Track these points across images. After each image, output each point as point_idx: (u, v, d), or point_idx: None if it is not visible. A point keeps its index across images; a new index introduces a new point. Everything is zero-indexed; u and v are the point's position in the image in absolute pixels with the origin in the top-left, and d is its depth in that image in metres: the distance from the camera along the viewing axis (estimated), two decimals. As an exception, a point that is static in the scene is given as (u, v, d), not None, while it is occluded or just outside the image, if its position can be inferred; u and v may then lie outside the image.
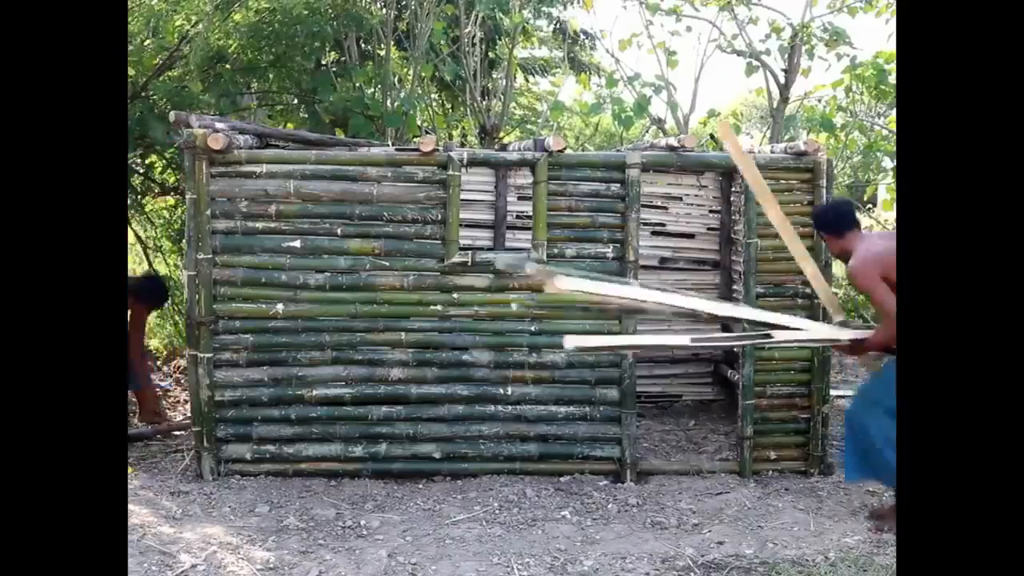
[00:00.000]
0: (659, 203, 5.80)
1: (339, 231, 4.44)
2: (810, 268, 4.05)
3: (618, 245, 4.54)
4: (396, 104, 6.89)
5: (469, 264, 4.46)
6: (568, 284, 3.63)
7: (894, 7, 7.39)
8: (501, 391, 4.52)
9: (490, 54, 8.98)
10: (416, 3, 7.36)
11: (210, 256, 4.38)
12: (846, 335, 3.94)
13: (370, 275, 4.47)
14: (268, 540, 3.74)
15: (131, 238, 6.87)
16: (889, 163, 7.85)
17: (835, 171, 5.08)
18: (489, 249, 4.70)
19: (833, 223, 4.02)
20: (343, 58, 7.36)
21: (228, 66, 6.12)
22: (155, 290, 5.65)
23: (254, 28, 5.91)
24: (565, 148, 4.49)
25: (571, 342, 3.72)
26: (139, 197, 6.86)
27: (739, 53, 7.88)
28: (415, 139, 4.61)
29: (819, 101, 8.10)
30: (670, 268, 5.89)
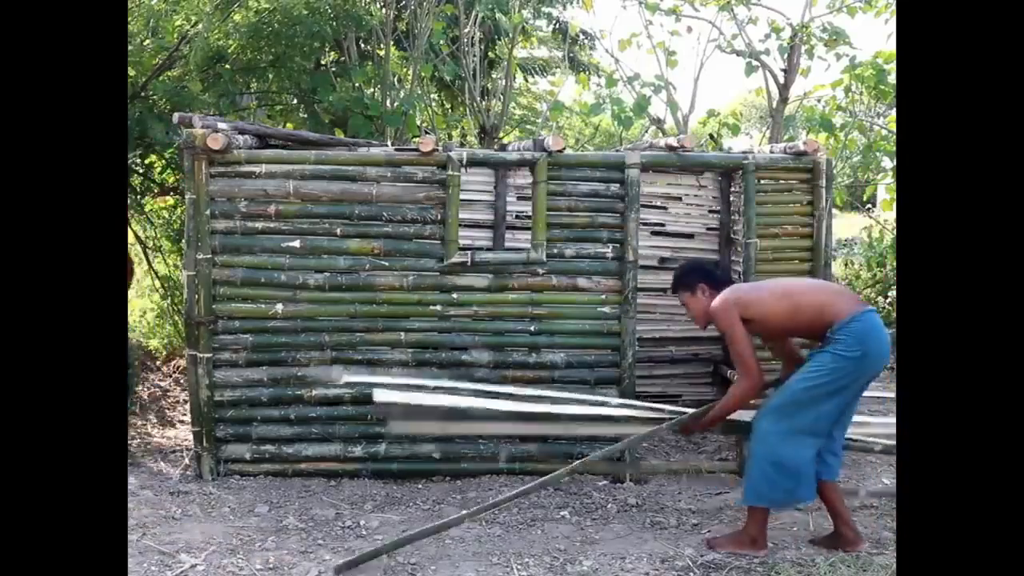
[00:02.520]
0: (658, 203, 5.79)
1: (338, 231, 4.44)
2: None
3: (617, 245, 4.54)
4: (396, 104, 6.89)
5: (468, 264, 4.46)
6: (386, 397, 3.62)
7: (894, 7, 7.39)
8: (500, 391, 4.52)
9: (489, 54, 8.99)
10: (416, 3, 7.37)
11: (209, 256, 4.38)
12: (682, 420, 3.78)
13: (369, 275, 4.46)
14: (267, 540, 3.74)
15: (131, 238, 6.87)
16: (889, 163, 7.85)
17: (835, 171, 5.08)
18: (488, 249, 4.70)
19: (685, 279, 3.82)
20: (343, 58, 7.36)
21: (228, 66, 6.11)
22: None
23: (254, 28, 5.90)
24: (564, 148, 4.49)
25: (379, 396, 3.67)
26: (139, 197, 6.86)
27: (739, 53, 7.88)
28: (414, 139, 4.62)
29: (818, 101, 8.11)
30: (669, 268, 5.88)
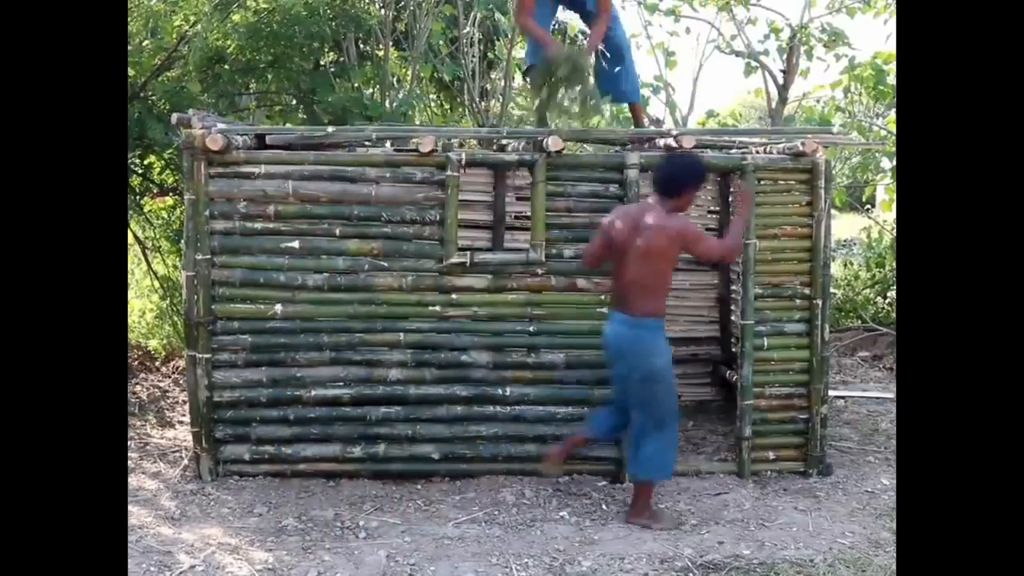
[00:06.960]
0: (658, 204, 5.79)
1: (337, 232, 4.44)
2: None
3: (617, 246, 4.52)
4: (395, 105, 6.89)
5: (468, 265, 4.46)
6: None
7: (893, 7, 7.40)
8: (500, 392, 4.52)
9: (488, 54, 8.98)
10: (415, 4, 7.37)
11: (208, 257, 4.37)
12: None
13: (368, 276, 4.46)
14: (267, 541, 3.74)
15: (130, 238, 6.86)
16: (887, 164, 7.86)
17: (833, 172, 5.08)
18: (488, 250, 4.69)
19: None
20: (342, 58, 7.36)
21: (227, 66, 6.11)
22: None
23: (253, 28, 5.90)
24: (564, 149, 4.49)
25: None
26: (138, 197, 6.85)
27: (738, 54, 7.91)
28: (413, 140, 4.60)
29: (818, 102, 8.13)
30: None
